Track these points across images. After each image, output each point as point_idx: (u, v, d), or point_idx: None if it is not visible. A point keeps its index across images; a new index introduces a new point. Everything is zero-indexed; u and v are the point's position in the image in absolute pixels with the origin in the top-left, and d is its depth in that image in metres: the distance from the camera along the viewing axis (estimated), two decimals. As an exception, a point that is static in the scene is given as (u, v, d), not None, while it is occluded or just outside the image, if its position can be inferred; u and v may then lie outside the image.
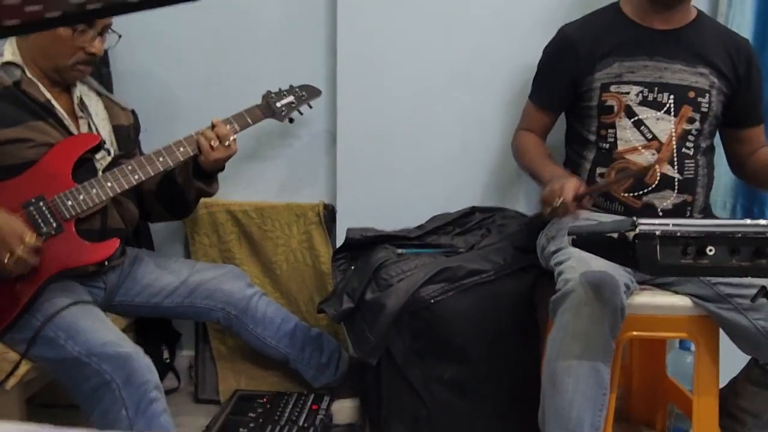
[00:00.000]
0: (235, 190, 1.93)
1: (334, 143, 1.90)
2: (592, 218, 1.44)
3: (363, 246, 1.73)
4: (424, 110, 1.86)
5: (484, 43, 1.83)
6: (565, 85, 1.58)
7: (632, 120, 1.50)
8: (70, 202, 1.44)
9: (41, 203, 1.42)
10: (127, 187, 1.50)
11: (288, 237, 1.94)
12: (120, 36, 1.56)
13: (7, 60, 1.47)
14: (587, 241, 1.12)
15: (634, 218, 0.89)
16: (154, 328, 1.90)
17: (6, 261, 1.30)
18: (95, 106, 1.62)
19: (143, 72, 1.92)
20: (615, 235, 0.95)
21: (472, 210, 1.85)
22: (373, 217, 1.86)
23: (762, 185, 1.58)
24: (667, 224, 0.86)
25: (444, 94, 1.85)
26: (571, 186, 1.33)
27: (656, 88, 1.49)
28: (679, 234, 0.85)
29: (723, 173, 1.71)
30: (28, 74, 1.49)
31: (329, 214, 1.93)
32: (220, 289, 1.70)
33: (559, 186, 1.34)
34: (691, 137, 1.49)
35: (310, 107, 1.76)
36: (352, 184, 1.90)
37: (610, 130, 1.52)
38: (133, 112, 1.74)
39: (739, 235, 0.84)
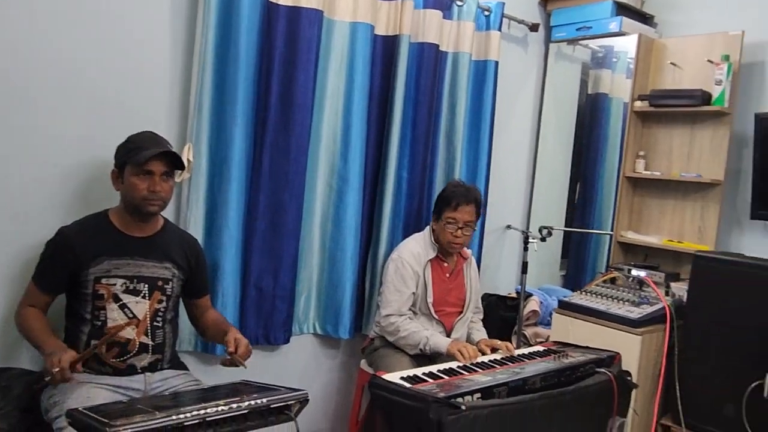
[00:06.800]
0: None
1: None
2: (84, 383, 1.89)
3: None
4: None
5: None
6: (65, 276, 2.00)
7: (118, 304, 2.02)
8: None
9: None
10: None
11: None
12: None
13: None
14: (84, 425, 1.57)
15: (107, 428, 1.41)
16: None
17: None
18: None
19: None
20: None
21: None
22: None
23: (210, 339, 2.33)
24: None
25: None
26: (66, 357, 1.77)
27: (135, 280, 2.05)
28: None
29: (187, 321, 2.39)
30: None
31: None
32: None
33: (57, 358, 1.76)
34: (160, 314, 2.10)
35: None
36: None
37: (101, 312, 2.00)
38: None
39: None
